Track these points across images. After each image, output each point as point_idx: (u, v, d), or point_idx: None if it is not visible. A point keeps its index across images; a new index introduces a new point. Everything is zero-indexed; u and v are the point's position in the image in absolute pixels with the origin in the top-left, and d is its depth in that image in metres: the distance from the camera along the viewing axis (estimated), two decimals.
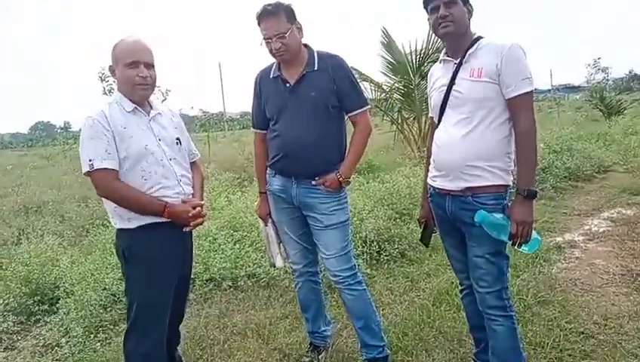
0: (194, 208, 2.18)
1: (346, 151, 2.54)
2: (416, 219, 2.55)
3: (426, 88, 8.02)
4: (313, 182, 2.46)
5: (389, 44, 7.97)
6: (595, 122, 15.31)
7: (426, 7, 2.18)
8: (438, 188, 2.23)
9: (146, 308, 2.14)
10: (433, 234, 2.47)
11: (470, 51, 2.10)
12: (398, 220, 4.68)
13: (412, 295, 3.47)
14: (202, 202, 2.29)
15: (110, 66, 2.18)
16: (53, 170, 13.22)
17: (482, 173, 2.07)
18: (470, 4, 2.15)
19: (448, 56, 2.19)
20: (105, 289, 3.51)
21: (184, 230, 2.19)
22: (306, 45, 2.49)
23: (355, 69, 7.73)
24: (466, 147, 2.08)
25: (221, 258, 3.84)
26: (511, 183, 2.11)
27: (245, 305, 3.49)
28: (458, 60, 2.13)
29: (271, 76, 2.51)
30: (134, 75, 2.11)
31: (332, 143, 2.49)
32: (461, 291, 2.43)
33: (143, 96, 2.19)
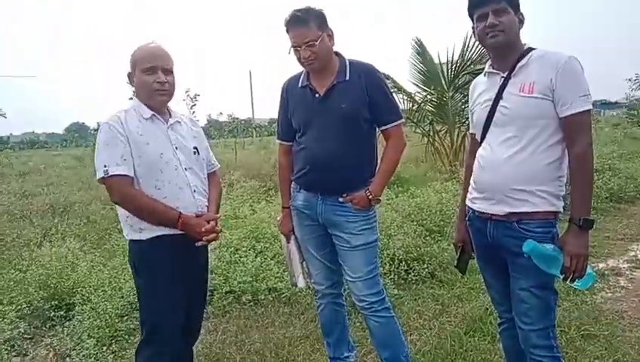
0: (208, 222, 2.06)
1: (377, 168, 2.36)
2: (452, 243, 2.35)
3: (460, 101, 7.90)
4: (340, 199, 2.30)
5: (421, 54, 7.75)
6: (635, 140, 14.70)
7: (471, 15, 1.99)
8: (478, 212, 2.03)
9: (156, 323, 2.05)
10: (470, 260, 2.27)
11: (521, 64, 1.90)
12: (427, 238, 4.46)
13: (442, 320, 3.25)
14: (217, 216, 2.17)
15: (129, 73, 2.11)
16: (84, 170, 13.38)
17: (530, 198, 1.87)
18: (521, 13, 1.96)
19: (494, 69, 2.00)
20: (122, 297, 3.42)
21: (197, 244, 2.07)
22: (337, 53, 2.33)
23: (389, 78, 7.55)
24: (512, 169, 1.88)
25: (242, 270, 3.70)
26: (561, 210, 1.90)
27: (265, 322, 3.32)
28: (506, 73, 1.93)
29: (299, 85, 2.36)
30: (152, 81, 2.03)
31: (362, 158, 2.32)
32: (500, 324, 2.21)
33: (161, 102, 2.10)
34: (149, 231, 2.00)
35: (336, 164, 2.26)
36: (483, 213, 2.00)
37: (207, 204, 2.17)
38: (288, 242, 2.56)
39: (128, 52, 2.13)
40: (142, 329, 2.08)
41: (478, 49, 7.10)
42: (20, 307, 3.44)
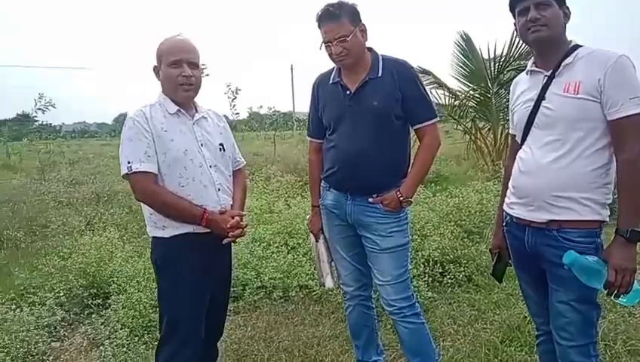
0: (233, 218, 2.03)
1: (410, 168, 2.28)
2: (489, 249, 2.24)
3: (504, 98, 7.61)
4: (370, 200, 2.23)
5: (466, 49, 7.50)
6: None
7: (512, 10, 1.88)
8: (516, 218, 1.92)
9: (177, 322, 2.02)
10: (507, 268, 2.16)
11: (566, 62, 1.77)
12: (465, 239, 4.31)
13: (477, 327, 3.12)
14: (243, 213, 2.13)
15: (155, 66, 2.07)
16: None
17: (573, 206, 1.75)
18: (567, 7, 1.83)
19: (537, 67, 1.87)
20: (156, 288, 3.47)
21: (223, 242, 2.04)
22: (370, 49, 2.26)
23: (431, 73, 7.36)
24: (554, 174, 1.76)
25: (273, 266, 3.69)
26: (607, 219, 1.77)
27: (294, 320, 3.30)
28: (550, 72, 1.81)
29: (330, 82, 2.30)
30: (177, 75, 2.00)
31: (393, 158, 2.23)
32: (537, 336, 2.10)
33: (186, 97, 2.06)
34: (172, 229, 1.98)
35: (366, 163, 2.20)
36: (521, 219, 1.90)
37: (231, 202, 2.14)
38: (317, 241, 2.51)
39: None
40: (160, 328, 2.07)
41: (524, 44, 6.81)
42: (59, 294, 3.56)
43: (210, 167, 2.06)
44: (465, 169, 8.29)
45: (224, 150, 2.16)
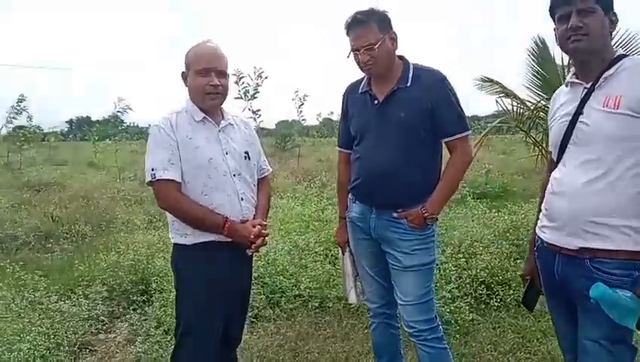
0: (254, 227, 2.02)
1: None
2: (520, 275, 2.08)
3: None
4: (395, 215, 2.13)
5: (541, 55, 7.03)
6: None
7: (552, 15, 1.72)
8: (547, 243, 1.77)
9: (192, 329, 2.03)
10: (540, 296, 1.98)
11: (607, 73, 1.61)
12: (519, 260, 4.04)
13: (520, 356, 2.91)
14: (265, 222, 2.11)
15: (183, 72, 2.09)
16: None
17: (609, 233, 1.57)
18: (614, 13, 1.65)
19: (578, 79, 1.71)
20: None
21: (247, 252, 2.03)
22: (401, 57, 2.17)
23: (497, 83, 6.99)
24: (589, 198, 1.60)
25: (312, 275, 3.66)
26: None
27: (326, 331, 3.25)
28: (590, 84, 1.64)
29: (360, 91, 2.23)
30: (205, 83, 2.00)
31: (420, 172, 2.12)
32: None
33: (213, 105, 2.07)
34: (193, 237, 1.99)
35: (390, 176, 2.11)
36: (552, 244, 1.74)
37: (254, 211, 2.13)
38: (343, 254, 2.45)
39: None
40: (176, 333, 2.09)
41: None
42: (110, 288, 3.75)
43: (234, 175, 2.05)
44: (534, 184, 7.79)
45: (249, 158, 2.14)
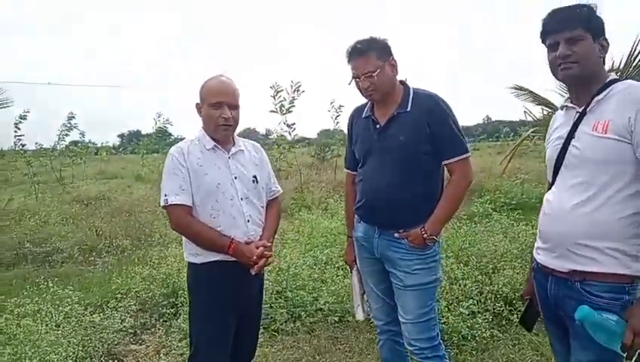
0: (258, 248, 2.14)
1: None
2: (520, 294, 2.09)
3: None
4: (396, 235, 2.20)
5: None
6: None
7: (543, 41, 1.76)
8: (541, 264, 1.80)
9: (203, 343, 2.16)
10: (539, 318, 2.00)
11: (598, 98, 1.64)
12: None
13: None
14: (268, 244, 2.22)
15: (197, 104, 2.24)
16: None
17: (598, 256, 1.60)
18: (605, 38, 1.68)
19: (572, 103, 1.74)
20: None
21: (251, 272, 2.14)
22: (403, 82, 2.24)
23: (524, 89, 6.86)
24: (578, 220, 1.63)
25: (332, 290, 3.74)
26: None
27: (344, 346, 3.31)
28: (582, 109, 1.67)
29: (363, 115, 2.33)
30: (218, 116, 2.15)
31: (420, 193, 2.18)
32: None
33: (225, 135, 2.22)
34: (203, 256, 2.13)
35: (391, 198, 2.18)
36: (545, 266, 1.77)
37: (261, 232, 2.25)
38: (351, 272, 2.53)
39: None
40: (190, 346, 2.23)
41: None
42: (143, 301, 3.96)
43: (242, 199, 2.18)
44: None
45: (257, 181, 2.27)
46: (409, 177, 2.16)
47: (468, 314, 3.34)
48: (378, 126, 2.24)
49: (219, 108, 2.14)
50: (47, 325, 2.98)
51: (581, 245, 1.61)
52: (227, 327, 2.17)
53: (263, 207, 2.31)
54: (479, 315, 3.38)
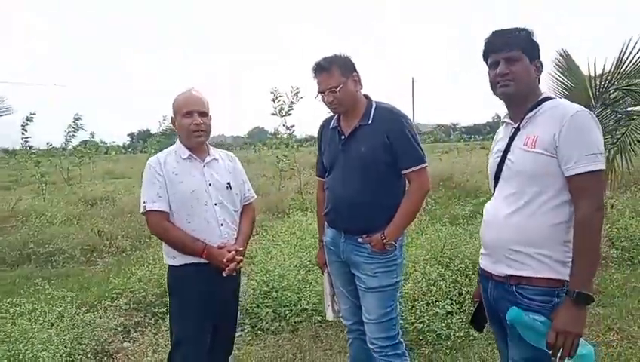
0: (230, 252, 2.28)
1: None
2: (472, 297, 2.22)
3: (610, 119, 6.88)
4: (360, 240, 2.34)
5: (566, 67, 6.92)
6: None
7: (485, 60, 1.90)
8: (483, 269, 1.93)
9: (181, 340, 2.32)
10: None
11: (530, 115, 1.78)
12: None
13: None
14: (239, 248, 2.36)
15: (171, 117, 2.41)
16: (251, 174, 14.58)
17: (530, 262, 1.74)
18: (540, 60, 1.82)
19: (509, 118, 1.88)
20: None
21: (223, 274, 2.29)
22: (367, 96, 2.39)
23: None
24: (510, 228, 1.77)
25: (316, 291, 3.88)
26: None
27: (325, 344, 3.45)
28: (517, 124, 1.81)
29: (331, 126, 2.47)
30: (190, 123, 2.32)
31: (380, 201, 2.32)
32: None
33: (198, 142, 2.37)
34: (180, 259, 2.31)
35: (353, 206, 2.33)
36: (485, 270, 1.91)
37: (235, 236, 2.40)
38: (322, 274, 2.68)
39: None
40: (171, 343, 2.40)
41: (636, 62, 6.12)
42: (137, 300, 4.13)
43: (216, 204, 2.34)
44: None
45: (231, 188, 2.43)
46: (370, 186, 2.30)
47: (444, 314, 3.47)
48: (343, 137, 2.38)
49: (190, 117, 2.31)
50: (41, 324, 3.15)
51: (515, 251, 1.75)
52: (203, 325, 2.32)
53: (236, 212, 2.46)
54: (456, 315, 3.50)
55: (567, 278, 1.68)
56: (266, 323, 3.73)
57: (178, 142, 2.42)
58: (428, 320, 3.38)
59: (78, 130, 13.16)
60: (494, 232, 1.82)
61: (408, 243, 4.59)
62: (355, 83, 2.34)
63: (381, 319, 2.31)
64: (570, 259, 1.68)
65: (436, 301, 3.59)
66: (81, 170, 14.93)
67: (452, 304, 3.58)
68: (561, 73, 7.17)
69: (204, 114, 2.37)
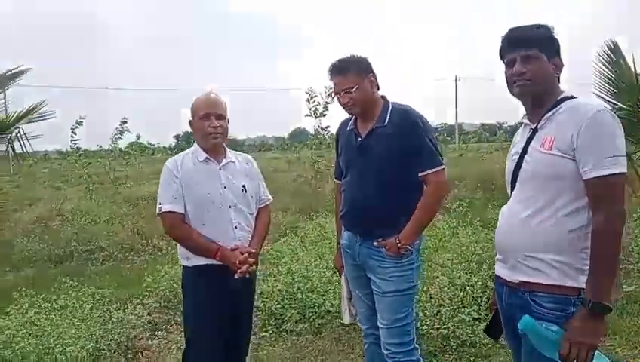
0: (242, 254, 2.29)
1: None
2: (488, 305, 2.14)
3: None
4: (375, 243, 2.30)
5: (614, 60, 6.57)
6: None
7: (502, 58, 1.83)
8: (497, 275, 1.86)
9: (195, 340, 2.36)
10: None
11: (547, 115, 1.70)
12: None
13: None
14: (252, 250, 2.36)
15: (189, 120, 2.44)
16: (285, 176, 14.69)
17: (544, 268, 1.65)
18: (560, 58, 1.74)
19: (528, 120, 1.81)
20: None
21: (235, 277, 2.28)
22: (384, 98, 2.35)
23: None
24: (525, 233, 1.69)
25: (339, 293, 3.85)
26: None
27: (347, 348, 3.42)
28: (535, 125, 1.73)
29: (348, 128, 2.45)
30: (206, 126, 2.33)
31: (397, 204, 2.27)
32: None
33: (215, 144, 2.38)
34: (194, 260, 2.33)
35: (368, 208, 2.29)
36: (499, 277, 1.84)
37: (249, 238, 2.41)
38: (340, 277, 2.65)
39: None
40: (186, 342, 2.43)
41: None
42: (167, 298, 4.24)
43: (230, 207, 2.36)
44: None
45: (246, 191, 2.43)
46: (385, 188, 2.26)
47: (470, 321, 3.36)
48: (359, 139, 2.35)
49: (207, 120, 2.32)
50: (70, 320, 3.28)
51: (529, 257, 1.66)
52: (216, 326, 2.33)
53: (251, 215, 2.46)
54: (482, 322, 3.38)
55: (584, 286, 1.60)
56: (291, 324, 3.73)
57: (196, 144, 2.45)
58: (453, 326, 3.28)
59: (123, 132, 13.62)
60: (510, 237, 1.75)
61: (438, 247, 4.49)
62: (372, 84, 2.31)
63: (395, 324, 2.27)
64: (588, 267, 1.59)
65: (463, 307, 3.49)
66: (128, 171, 15.47)
67: (479, 310, 3.47)
68: (608, 68, 6.83)
69: (222, 117, 2.38)
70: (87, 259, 6.14)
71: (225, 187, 2.37)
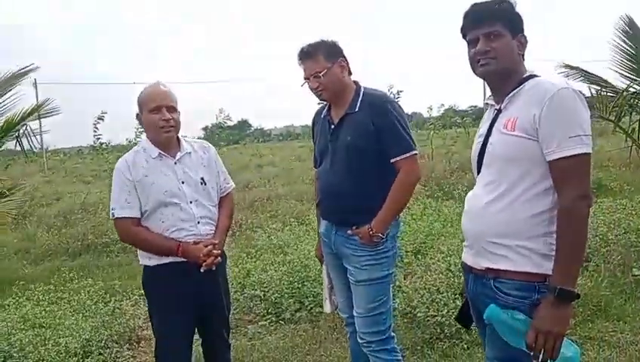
0: (206, 247, 2.20)
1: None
2: (459, 293, 2.09)
3: None
4: (349, 232, 2.27)
5: (630, 34, 6.24)
6: None
7: (464, 36, 1.75)
8: (463, 261, 1.81)
9: (163, 342, 2.29)
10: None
11: (511, 95, 1.62)
12: None
13: None
14: (216, 241, 2.27)
15: (137, 114, 2.29)
16: (303, 164, 14.58)
17: (508, 254, 1.59)
18: (524, 35, 1.66)
19: (492, 100, 1.73)
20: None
21: (200, 270, 2.20)
22: (356, 83, 2.29)
23: (576, 67, 6.36)
24: (489, 218, 1.63)
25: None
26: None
27: (341, 336, 3.40)
28: (499, 106, 1.66)
29: (322, 115, 2.40)
30: (158, 119, 2.19)
31: (369, 191, 2.22)
32: None
33: (168, 138, 2.25)
34: (156, 259, 2.22)
35: (340, 196, 2.26)
36: (465, 263, 1.78)
37: (212, 231, 2.30)
38: (321, 266, 2.63)
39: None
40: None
41: None
42: None
43: (191, 202, 2.24)
44: (630, 178, 6.93)
45: (205, 183, 2.31)
46: (357, 176, 2.21)
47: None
48: (332, 126, 2.30)
49: (158, 112, 2.19)
50: (69, 311, 3.37)
51: (493, 243, 1.61)
52: (182, 326, 2.26)
53: (214, 206, 2.36)
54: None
55: (549, 273, 1.52)
56: (290, 313, 3.74)
57: (145, 139, 2.31)
58: (447, 313, 3.22)
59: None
60: (474, 223, 1.69)
61: (438, 233, 4.41)
62: (342, 68, 2.25)
63: (369, 313, 2.24)
64: (554, 253, 1.52)
65: (460, 294, 3.41)
66: None
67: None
68: (625, 42, 6.53)
69: (173, 109, 2.24)
70: (102, 251, 6.29)
71: (183, 182, 2.25)
